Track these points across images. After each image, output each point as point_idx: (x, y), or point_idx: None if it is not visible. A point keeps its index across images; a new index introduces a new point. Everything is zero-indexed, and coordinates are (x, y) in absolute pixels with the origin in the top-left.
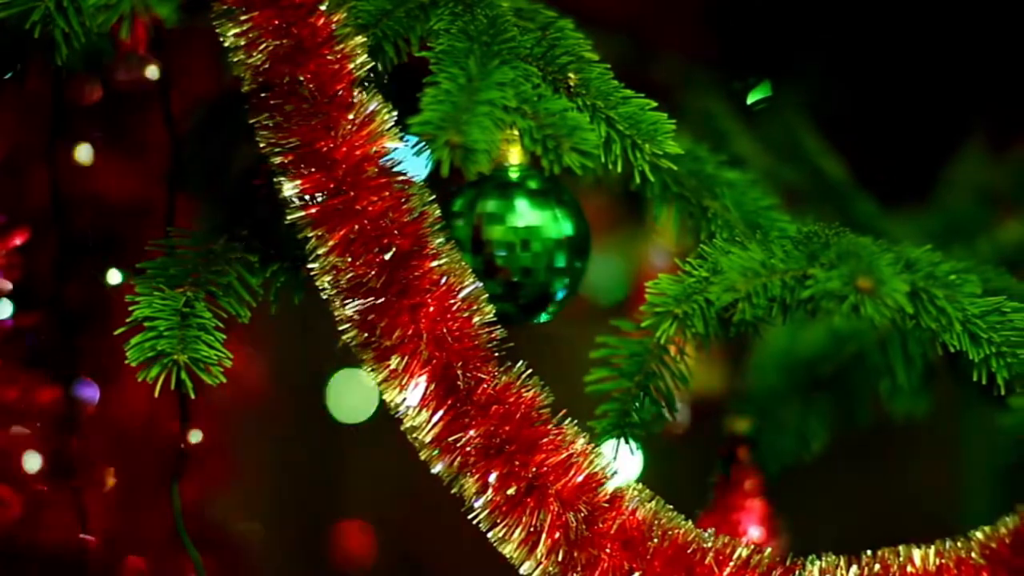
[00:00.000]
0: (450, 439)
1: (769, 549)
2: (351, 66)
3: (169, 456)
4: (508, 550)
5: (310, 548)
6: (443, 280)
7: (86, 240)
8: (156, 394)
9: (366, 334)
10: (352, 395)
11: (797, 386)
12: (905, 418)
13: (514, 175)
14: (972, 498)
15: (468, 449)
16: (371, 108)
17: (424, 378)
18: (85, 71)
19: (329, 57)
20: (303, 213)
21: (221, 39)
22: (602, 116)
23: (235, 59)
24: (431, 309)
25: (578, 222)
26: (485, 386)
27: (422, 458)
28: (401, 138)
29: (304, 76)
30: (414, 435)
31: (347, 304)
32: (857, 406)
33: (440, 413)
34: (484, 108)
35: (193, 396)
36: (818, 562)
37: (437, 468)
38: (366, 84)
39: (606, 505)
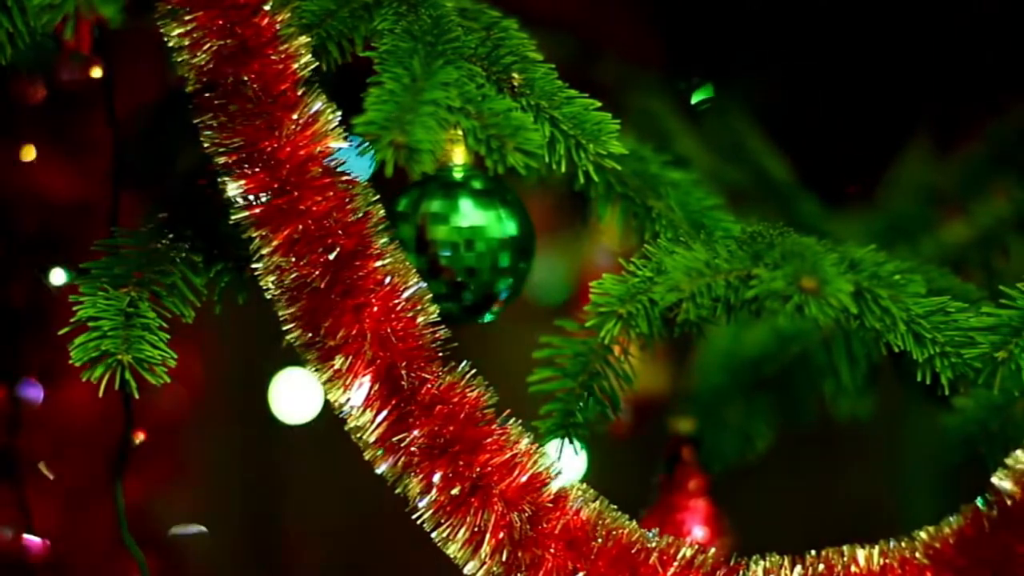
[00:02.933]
0: (394, 439)
1: (713, 549)
2: (295, 66)
3: (113, 456)
4: (452, 550)
5: (255, 548)
6: (387, 280)
7: (29, 240)
8: (100, 394)
9: (310, 334)
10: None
11: (741, 386)
12: (849, 418)
13: (458, 175)
14: (916, 498)
15: (412, 449)
16: (315, 108)
17: (368, 378)
18: (29, 71)
19: (273, 57)
20: (247, 213)
21: (165, 39)
22: (546, 116)
23: (179, 59)
24: (375, 309)
25: (522, 222)
26: (429, 386)
27: (366, 458)
28: (345, 138)
29: (248, 76)
30: (358, 435)
31: (291, 304)
32: (801, 406)
33: (384, 413)
34: (428, 108)
35: (137, 396)
36: (762, 562)
37: (381, 468)
38: (310, 84)
39: (550, 505)
